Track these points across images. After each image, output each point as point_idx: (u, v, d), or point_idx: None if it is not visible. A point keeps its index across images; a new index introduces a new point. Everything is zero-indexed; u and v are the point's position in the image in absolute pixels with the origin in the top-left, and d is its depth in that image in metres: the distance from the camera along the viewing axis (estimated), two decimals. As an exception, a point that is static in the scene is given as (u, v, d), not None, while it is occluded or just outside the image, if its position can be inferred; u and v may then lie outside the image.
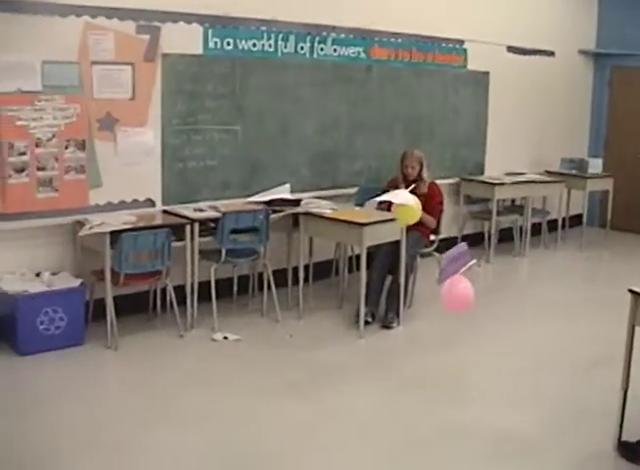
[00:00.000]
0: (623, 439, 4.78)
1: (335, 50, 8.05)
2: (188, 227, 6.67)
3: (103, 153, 6.64)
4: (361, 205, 7.69)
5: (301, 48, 7.79)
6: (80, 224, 6.40)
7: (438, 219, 7.63)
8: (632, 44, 10.80)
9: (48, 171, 6.36)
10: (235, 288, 7.60)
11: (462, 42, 9.35)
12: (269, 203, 7.24)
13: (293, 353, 6.31)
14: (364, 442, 4.97)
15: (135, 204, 6.88)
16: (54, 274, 6.37)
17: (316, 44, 7.90)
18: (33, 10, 6.09)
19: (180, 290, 6.72)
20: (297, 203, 7.32)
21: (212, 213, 6.91)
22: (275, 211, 7.12)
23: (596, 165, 10.67)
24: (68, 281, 6.32)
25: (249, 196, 7.35)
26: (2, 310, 6.18)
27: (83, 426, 5.05)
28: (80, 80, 6.46)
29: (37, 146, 6.29)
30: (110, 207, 6.71)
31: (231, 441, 4.92)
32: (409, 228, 6.84)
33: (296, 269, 7.41)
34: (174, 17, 6.87)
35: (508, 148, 10.21)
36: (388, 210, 6.45)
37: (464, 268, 4.31)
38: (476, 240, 9.82)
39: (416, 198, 5.12)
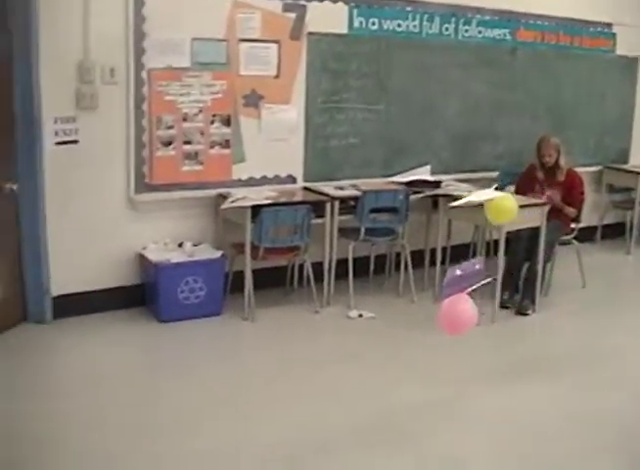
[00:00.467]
0: None
1: (479, 32, 7.79)
2: (328, 205, 6.57)
3: (247, 129, 6.60)
4: (502, 189, 7.41)
5: (446, 29, 7.57)
6: (223, 198, 6.38)
7: (579, 209, 7.29)
8: None
9: (194, 145, 6.37)
10: (372, 267, 7.48)
11: (610, 26, 8.91)
12: (409, 183, 7.09)
13: (426, 335, 6.10)
14: (497, 425, 4.78)
15: (277, 179, 6.83)
16: (195, 245, 6.38)
17: (461, 26, 7.66)
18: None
19: (318, 266, 6.62)
20: (437, 184, 7.15)
21: (353, 192, 6.80)
22: (415, 192, 6.94)
23: None
24: (209, 252, 6.32)
25: (389, 176, 7.21)
26: (146, 278, 6.25)
27: (220, 389, 5.10)
28: (227, 57, 6.43)
29: (184, 120, 6.31)
30: (252, 181, 6.68)
31: (364, 416, 4.81)
32: (550, 216, 6.57)
33: (433, 251, 7.23)
34: (321, -4, 6.74)
35: (655, 136, 9.69)
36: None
37: (474, 286, 3.77)
38: (617, 230, 9.38)
39: (507, 195, 4.63)
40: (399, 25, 7.28)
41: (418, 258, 7.22)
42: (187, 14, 6.16)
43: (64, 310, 6.04)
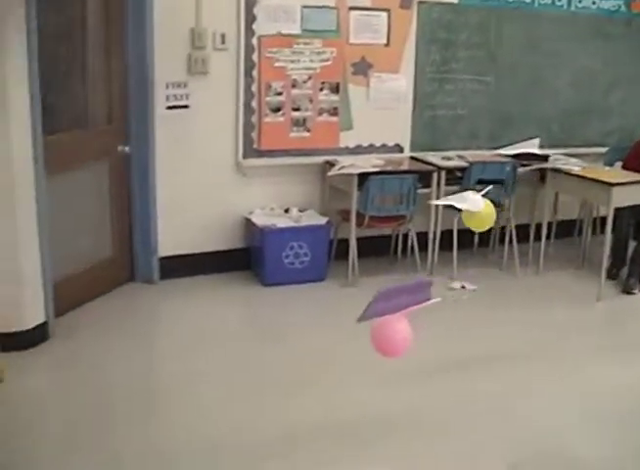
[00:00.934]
0: None
1: (593, 3, 7.45)
2: (435, 175, 6.42)
3: (355, 97, 6.49)
4: (611, 165, 7.12)
5: (559, 0, 7.26)
6: (330, 165, 6.28)
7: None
8: None
9: (302, 112, 6.30)
10: (476, 239, 7.26)
11: None
12: (517, 156, 6.83)
13: (528, 310, 5.90)
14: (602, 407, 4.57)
15: (384, 148, 6.68)
16: (301, 211, 6.31)
17: (574, -4, 7.35)
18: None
19: (422, 236, 6.48)
20: (544, 158, 6.87)
21: (460, 163, 6.62)
22: (523, 166, 6.69)
23: None
24: (315, 219, 6.25)
25: (496, 148, 6.96)
26: (252, 243, 6.21)
27: (320, 354, 5.05)
28: (338, 25, 6.31)
29: (293, 87, 6.23)
30: (359, 149, 6.56)
31: (471, 389, 4.67)
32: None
33: (538, 226, 6.97)
34: (432, -36, 6.57)
35: None
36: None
37: (414, 307, 2.98)
38: None
39: (488, 202, 4.28)
40: (511, -5, 7.02)
41: (523, 232, 6.98)
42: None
43: (170, 271, 6.06)
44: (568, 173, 6.55)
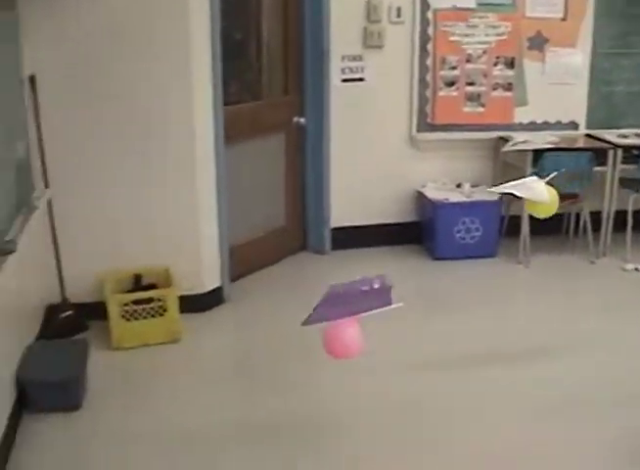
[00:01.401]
0: None
1: None
2: (610, 153, 6.12)
3: (530, 72, 6.27)
4: None
5: None
6: (503, 140, 6.11)
7: None
8: None
9: (476, 87, 6.15)
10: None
11: None
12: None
13: None
14: None
15: (558, 125, 6.44)
16: (473, 186, 6.14)
17: None
18: None
19: (595, 216, 6.19)
20: None
21: (637, 141, 6.28)
22: None
23: None
24: (487, 194, 6.05)
25: (676, 126, 6.59)
26: (423, 216, 6.11)
27: (489, 331, 4.90)
28: (514, -1, 6.10)
29: (467, 61, 6.09)
30: (532, 126, 6.35)
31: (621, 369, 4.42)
32: None
33: None
34: None
35: None
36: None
37: (372, 311, 2.65)
38: None
39: (551, 189, 3.91)
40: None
41: None
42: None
43: (341, 242, 6.04)
44: None
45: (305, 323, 2.54)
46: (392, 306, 2.64)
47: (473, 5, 6.02)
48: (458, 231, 5.92)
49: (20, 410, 3.85)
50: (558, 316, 5.15)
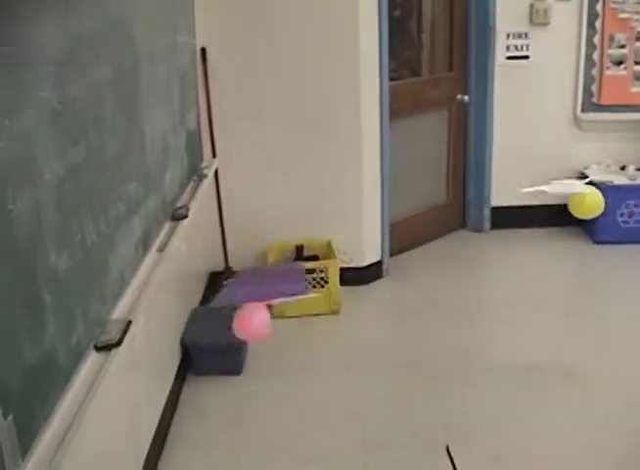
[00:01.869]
0: None
1: None
2: None
3: None
4: None
5: None
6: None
7: None
8: None
9: (646, 66, 5.81)
10: None
11: None
12: None
13: None
14: None
15: None
16: (638, 169, 5.83)
17: None
18: None
19: None
20: None
21: None
22: None
23: None
24: (654, 177, 5.76)
25: None
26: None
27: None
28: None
29: (637, 40, 5.77)
30: None
31: None
32: None
33: None
34: None
35: None
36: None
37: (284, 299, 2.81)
38: None
39: (594, 189, 3.51)
40: None
41: None
42: None
43: (500, 222, 5.90)
44: None
45: (215, 303, 2.61)
46: (304, 296, 2.68)
47: (645, -19, 5.70)
48: (621, 215, 5.65)
49: (184, 372, 3.91)
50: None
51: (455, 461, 2.30)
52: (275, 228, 4.80)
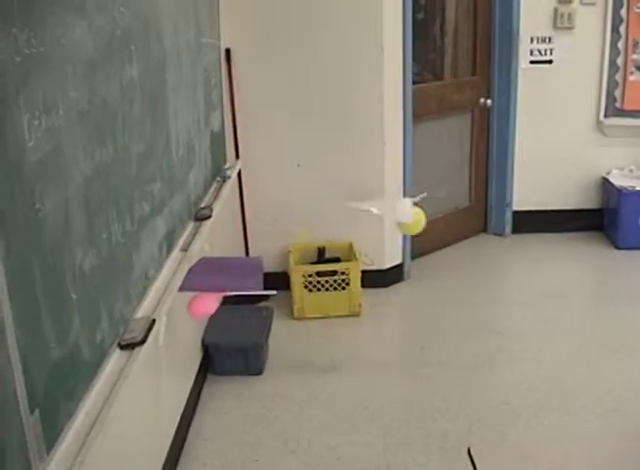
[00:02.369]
0: None
1: None
2: None
3: None
4: None
5: None
6: (696, 127, 5.72)
7: None
8: None
9: (668, 71, 5.78)
10: None
11: None
12: None
13: None
14: None
15: None
16: (661, 175, 5.81)
17: None
18: None
19: None
20: None
21: None
22: None
23: None
24: (676, 183, 5.72)
25: None
26: (606, 204, 5.85)
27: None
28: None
29: (662, 45, 5.72)
30: None
31: None
32: None
33: None
34: None
35: None
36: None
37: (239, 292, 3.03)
38: None
39: (418, 210, 3.47)
40: None
41: None
42: None
43: (521, 226, 5.89)
44: None
45: (180, 290, 2.73)
46: (264, 292, 2.89)
47: (671, -14, 5.66)
48: (643, 220, 5.62)
49: (205, 372, 3.92)
50: None
51: (477, 464, 2.29)
52: (297, 230, 4.80)
